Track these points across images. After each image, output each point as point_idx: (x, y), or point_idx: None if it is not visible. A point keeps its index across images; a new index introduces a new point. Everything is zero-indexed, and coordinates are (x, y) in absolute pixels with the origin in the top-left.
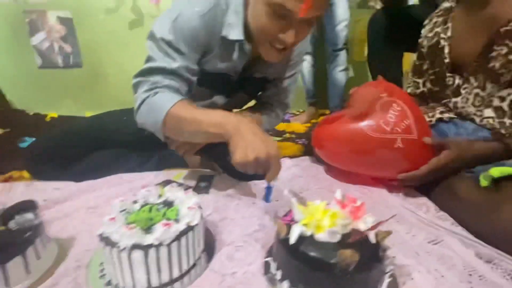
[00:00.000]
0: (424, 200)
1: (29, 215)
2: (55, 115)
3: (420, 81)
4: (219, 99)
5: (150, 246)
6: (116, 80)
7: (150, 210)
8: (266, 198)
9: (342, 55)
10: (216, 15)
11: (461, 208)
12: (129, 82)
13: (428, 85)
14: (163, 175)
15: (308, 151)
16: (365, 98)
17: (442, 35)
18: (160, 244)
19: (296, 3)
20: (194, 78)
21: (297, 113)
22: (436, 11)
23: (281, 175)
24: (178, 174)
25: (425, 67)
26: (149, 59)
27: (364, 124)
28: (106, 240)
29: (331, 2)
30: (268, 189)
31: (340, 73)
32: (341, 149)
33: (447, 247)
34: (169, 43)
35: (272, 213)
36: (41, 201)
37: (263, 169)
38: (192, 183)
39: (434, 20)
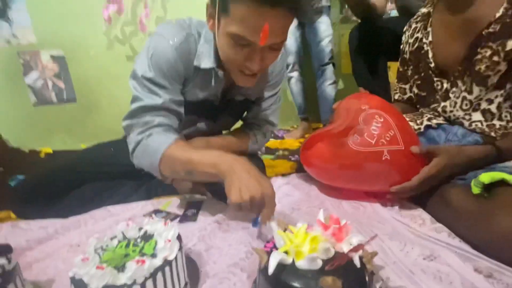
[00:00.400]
0: (419, 211)
1: (1, 260)
2: (50, 150)
3: (406, 86)
4: (203, 125)
5: (122, 286)
6: (110, 112)
7: (128, 245)
8: (253, 223)
9: (329, 69)
10: (190, 45)
11: (455, 217)
12: (122, 113)
13: (415, 90)
14: (151, 204)
15: (300, 167)
16: (348, 112)
17: (424, 40)
18: (133, 283)
19: (254, 33)
20: (182, 109)
21: (291, 129)
22: (414, 17)
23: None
24: (167, 202)
25: (409, 73)
26: (135, 99)
27: (348, 139)
28: (76, 283)
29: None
30: (258, 214)
31: (329, 87)
32: (329, 167)
33: (443, 263)
34: (150, 80)
35: (264, 237)
36: (23, 241)
37: (258, 209)
38: (181, 211)
39: (414, 26)
